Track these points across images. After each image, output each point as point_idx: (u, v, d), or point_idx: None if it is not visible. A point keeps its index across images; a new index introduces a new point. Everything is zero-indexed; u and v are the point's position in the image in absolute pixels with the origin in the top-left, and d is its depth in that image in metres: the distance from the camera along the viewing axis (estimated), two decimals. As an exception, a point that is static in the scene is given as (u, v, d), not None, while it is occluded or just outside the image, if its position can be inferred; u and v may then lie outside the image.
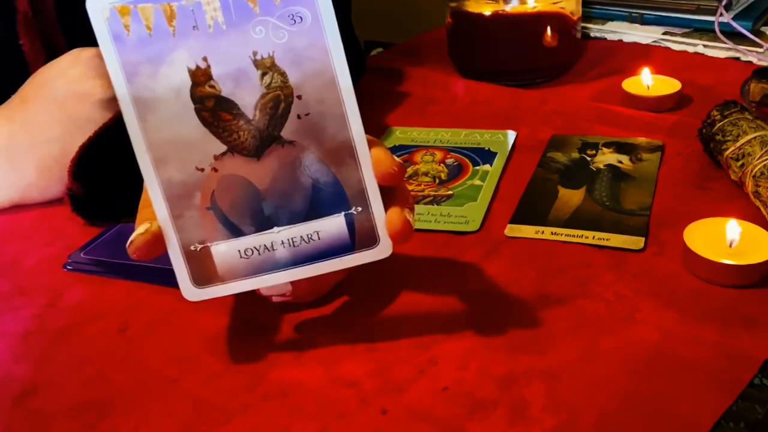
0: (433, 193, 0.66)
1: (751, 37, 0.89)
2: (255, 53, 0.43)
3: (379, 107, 0.83)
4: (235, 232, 0.45)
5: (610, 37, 1.00)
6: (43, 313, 0.54)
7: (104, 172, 0.63)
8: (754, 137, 0.61)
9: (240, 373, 0.47)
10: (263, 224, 0.45)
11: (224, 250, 0.45)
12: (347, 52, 0.43)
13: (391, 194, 0.45)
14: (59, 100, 0.64)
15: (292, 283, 0.47)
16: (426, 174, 0.69)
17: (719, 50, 0.92)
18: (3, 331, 0.52)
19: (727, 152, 0.62)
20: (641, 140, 0.72)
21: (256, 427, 0.43)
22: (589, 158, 0.69)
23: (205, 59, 0.43)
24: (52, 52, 0.68)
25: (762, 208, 0.58)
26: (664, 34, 0.98)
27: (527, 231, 0.59)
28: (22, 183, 0.65)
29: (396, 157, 0.45)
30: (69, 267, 0.58)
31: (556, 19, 0.85)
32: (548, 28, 0.85)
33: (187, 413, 0.44)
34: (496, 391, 0.44)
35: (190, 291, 0.45)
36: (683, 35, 0.97)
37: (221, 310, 0.52)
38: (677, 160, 0.68)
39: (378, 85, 0.89)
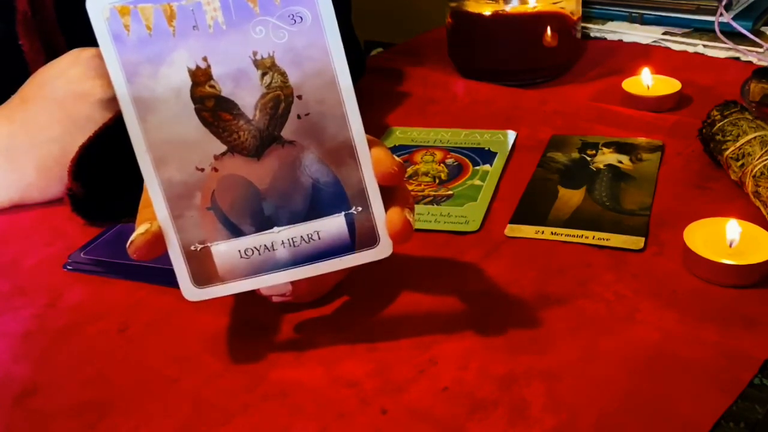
0: (433, 193, 0.66)
1: (751, 37, 0.89)
2: (255, 53, 0.43)
3: (379, 107, 0.83)
4: (236, 232, 0.45)
5: (610, 37, 1.00)
6: (43, 313, 0.54)
7: (104, 172, 0.63)
8: (754, 137, 0.61)
9: (240, 373, 0.47)
10: (263, 224, 0.45)
11: (224, 250, 0.45)
12: (347, 52, 0.43)
13: (391, 194, 0.45)
14: (59, 100, 0.64)
15: (292, 283, 0.47)
16: (426, 174, 0.69)
17: (719, 50, 0.92)
18: (3, 331, 0.52)
19: (727, 152, 0.62)
20: (641, 140, 0.72)
21: (256, 427, 0.43)
22: (589, 158, 0.69)
23: (205, 59, 0.43)
24: (52, 52, 0.68)
25: (762, 208, 0.58)
26: (664, 34, 0.98)
27: (527, 231, 0.59)
28: (22, 183, 0.65)
29: (396, 157, 0.45)
30: (69, 267, 0.58)
31: (556, 19, 0.85)
32: (548, 28, 0.85)
33: (187, 413, 0.44)
34: (496, 391, 0.44)
35: (190, 291, 0.45)
36: (683, 35, 0.97)
37: (221, 310, 0.52)
38: (677, 160, 0.68)
39: (378, 85, 0.89)
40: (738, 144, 0.61)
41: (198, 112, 0.43)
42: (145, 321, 0.52)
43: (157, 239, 0.44)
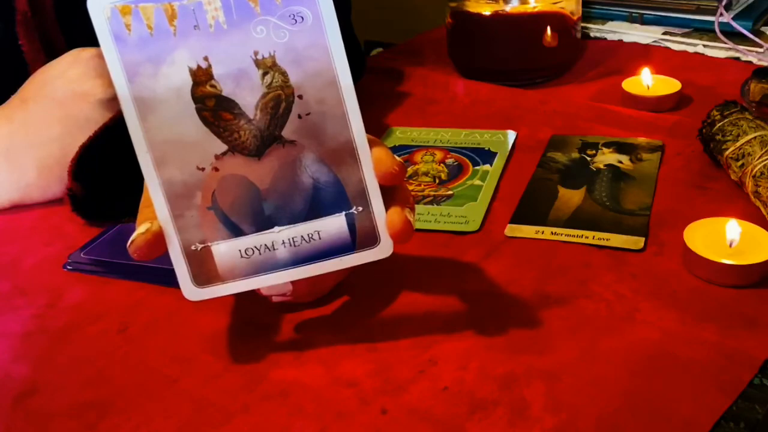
0: (433, 193, 0.66)
1: (751, 37, 0.89)
2: (256, 53, 0.43)
3: (379, 107, 0.83)
4: (236, 231, 0.45)
5: (610, 37, 1.00)
6: (43, 313, 0.54)
7: (104, 172, 0.63)
8: (754, 137, 0.61)
9: (240, 373, 0.47)
10: (264, 224, 0.45)
11: (225, 250, 0.45)
12: (347, 52, 0.43)
13: (391, 194, 0.45)
14: (59, 100, 0.64)
15: (293, 283, 0.47)
16: (426, 174, 0.69)
17: (719, 50, 0.92)
18: (3, 331, 0.52)
19: (727, 152, 0.62)
20: (641, 140, 0.72)
21: (256, 427, 0.43)
22: (589, 158, 0.69)
23: (206, 59, 0.43)
24: (52, 52, 0.68)
25: (762, 208, 0.58)
26: (664, 34, 0.98)
27: (527, 231, 0.59)
28: (22, 183, 0.65)
29: (397, 157, 0.45)
30: (69, 267, 0.58)
31: (556, 19, 0.86)
32: (548, 28, 0.85)
33: (187, 413, 0.44)
34: (496, 391, 0.44)
35: (190, 291, 0.45)
36: (683, 35, 0.97)
37: (221, 310, 0.52)
38: (677, 160, 0.68)
39: (378, 85, 0.89)
40: (738, 144, 0.61)
41: (199, 111, 0.43)
42: (145, 321, 0.52)
43: (158, 239, 0.44)
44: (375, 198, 0.45)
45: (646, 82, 0.80)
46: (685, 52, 0.94)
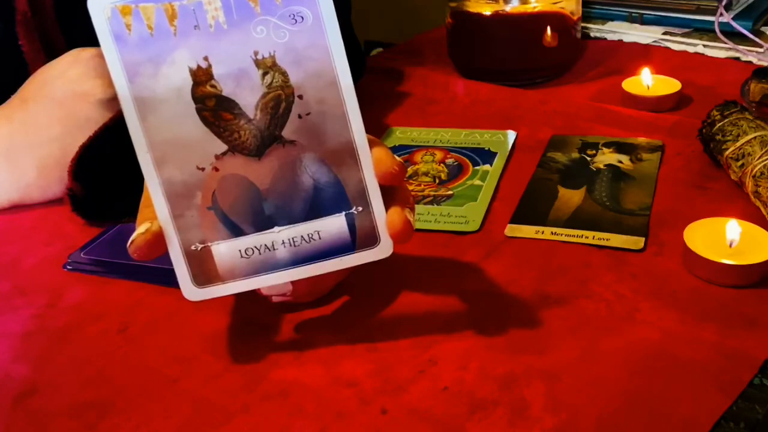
0: (433, 193, 0.66)
1: (751, 37, 0.89)
2: (256, 53, 0.43)
3: (379, 107, 0.83)
4: (236, 231, 0.45)
5: (610, 37, 1.00)
6: (43, 313, 0.54)
7: (104, 172, 0.63)
8: (754, 137, 0.61)
9: (240, 373, 0.47)
10: (264, 224, 0.45)
11: (225, 250, 0.45)
12: (347, 52, 0.43)
13: (391, 194, 0.45)
14: (59, 100, 0.64)
15: (293, 283, 0.47)
16: (426, 174, 0.69)
17: (719, 50, 0.92)
18: (3, 331, 0.52)
19: (727, 152, 0.62)
20: (641, 140, 0.72)
21: (256, 427, 0.43)
22: (589, 158, 0.69)
23: (206, 59, 0.43)
24: (52, 52, 0.68)
25: (762, 208, 0.58)
26: (664, 34, 0.98)
27: (527, 231, 0.59)
28: (22, 183, 0.65)
29: (397, 157, 0.45)
30: (69, 267, 0.58)
31: (556, 19, 0.86)
32: (548, 28, 0.85)
33: (187, 413, 0.44)
34: (496, 391, 0.44)
35: (190, 291, 0.45)
36: (683, 35, 0.97)
37: (221, 310, 0.52)
38: (677, 160, 0.68)
39: (378, 85, 0.89)
40: (738, 144, 0.61)
41: (199, 111, 0.43)
42: (145, 321, 0.52)
43: (158, 239, 0.44)
44: (375, 198, 0.45)
45: (646, 82, 0.80)
46: (685, 52, 0.94)
